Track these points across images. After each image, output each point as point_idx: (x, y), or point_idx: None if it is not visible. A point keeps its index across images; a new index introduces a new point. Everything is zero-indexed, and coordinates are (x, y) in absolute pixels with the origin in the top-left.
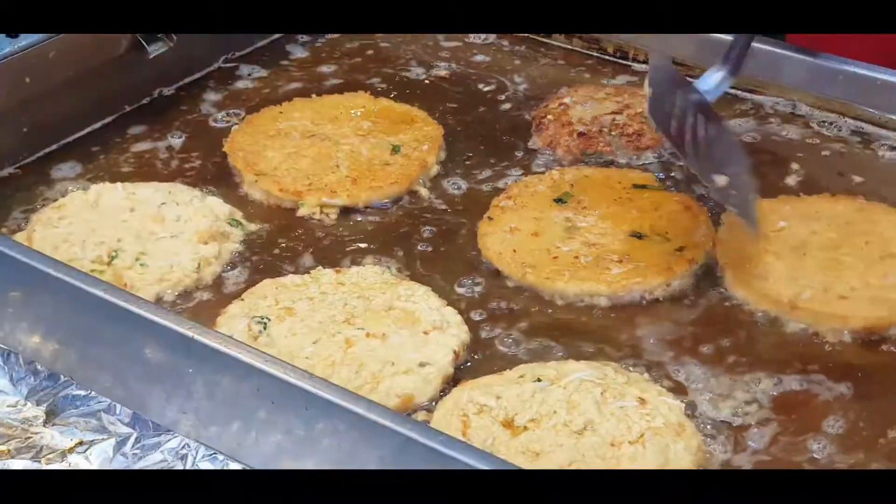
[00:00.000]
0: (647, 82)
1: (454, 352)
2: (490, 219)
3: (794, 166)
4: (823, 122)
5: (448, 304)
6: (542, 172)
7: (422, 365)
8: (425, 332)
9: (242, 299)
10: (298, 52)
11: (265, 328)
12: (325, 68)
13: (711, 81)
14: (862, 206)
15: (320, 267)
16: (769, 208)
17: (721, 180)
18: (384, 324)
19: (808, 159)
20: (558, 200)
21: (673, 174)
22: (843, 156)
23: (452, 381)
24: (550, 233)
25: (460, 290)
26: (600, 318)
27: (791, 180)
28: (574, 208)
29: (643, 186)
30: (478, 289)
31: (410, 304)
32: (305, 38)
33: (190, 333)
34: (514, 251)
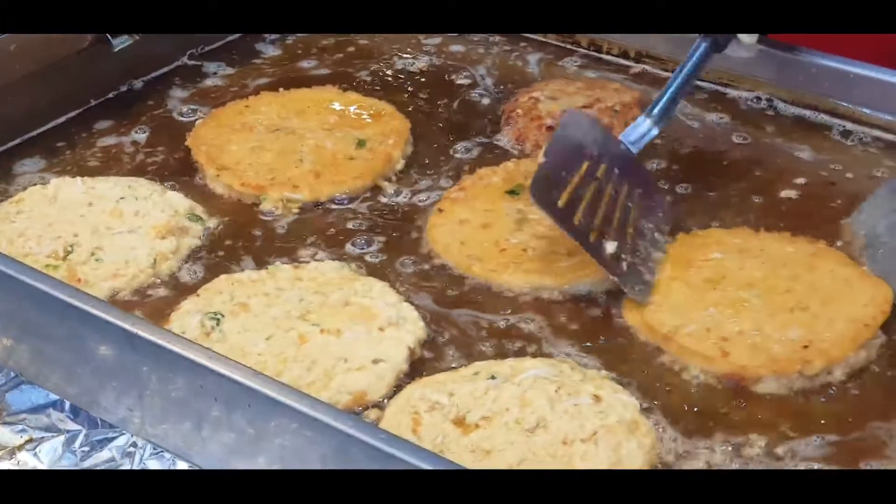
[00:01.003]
0: (542, 151)
1: (409, 348)
2: (441, 210)
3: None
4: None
5: (406, 300)
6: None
7: (375, 361)
8: (381, 329)
9: (198, 295)
10: (270, 50)
11: (218, 324)
12: (304, 63)
13: (635, 133)
14: (818, 251)
15: (279, 262)
16: (716, 238)
17: (611, 247)
18: (339, 320)
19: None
20: (511, 192)
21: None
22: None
23: (408, 378)
24: (501, 225)
25: (418, 285)
26: (550, 310)
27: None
28: (526, 200)
29: None
30: (433, 283)
31: (367, 300)
32: (274, 35)
33: (133, 329)
34: (462, 243)
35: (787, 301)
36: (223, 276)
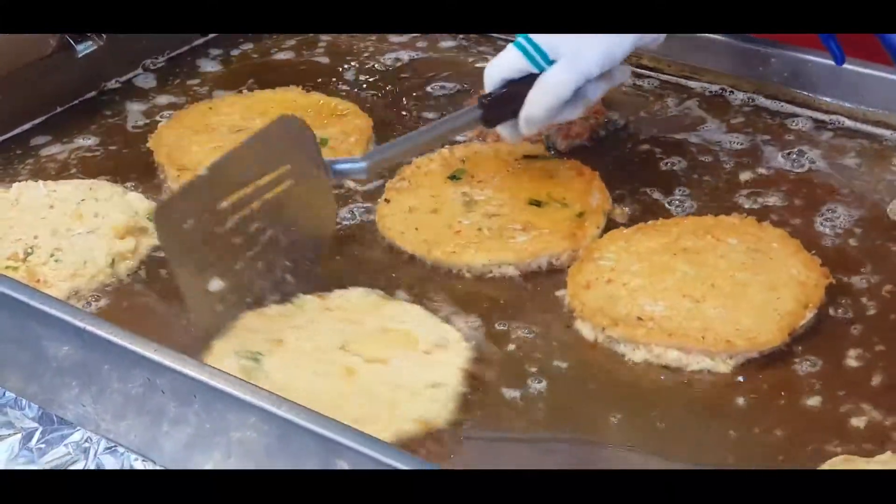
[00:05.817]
0: None
1: (463, 370)
2: (387, 201)
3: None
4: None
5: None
6: None
7: (434, 386)
8: (426, 352)
9: (228, 335)
10: (209, 67)
11: (257, 363)
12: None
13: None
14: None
15: (300, 294)
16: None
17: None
18: (381, 348)
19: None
20: (452, 177)
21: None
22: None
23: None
24: (449, 209)
25: (375, 276)
26: (510, 288)
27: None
28: (469, 183)
29: (534, 157)
30: (394, 273)
31: (404, 325)
32: (217, 50)
33: (82, 325)
34: (416, 229)
35: (735, 286)
36: (250, 313)
